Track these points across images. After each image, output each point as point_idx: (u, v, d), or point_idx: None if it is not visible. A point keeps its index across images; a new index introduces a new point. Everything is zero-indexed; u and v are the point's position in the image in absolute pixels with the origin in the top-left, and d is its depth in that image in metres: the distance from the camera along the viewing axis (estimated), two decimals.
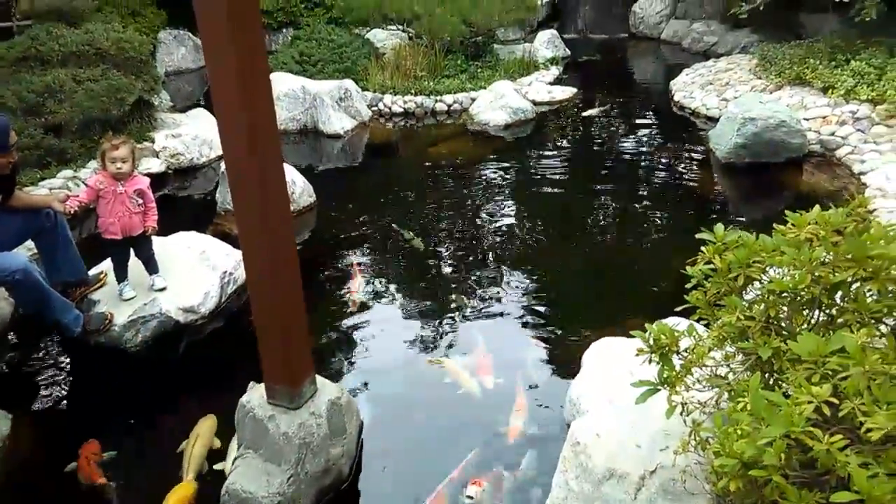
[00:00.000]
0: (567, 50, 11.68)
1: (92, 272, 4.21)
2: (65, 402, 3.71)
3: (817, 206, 2.17)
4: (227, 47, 2.15)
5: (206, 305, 4.08)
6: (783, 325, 2.07)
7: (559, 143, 7.85)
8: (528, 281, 4.73)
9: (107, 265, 4.20)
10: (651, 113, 8.81)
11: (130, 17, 10.88)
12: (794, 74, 7.78)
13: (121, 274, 4.02)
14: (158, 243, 4.21)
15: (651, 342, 2.16)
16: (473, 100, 8.86)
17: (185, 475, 2.97)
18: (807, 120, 6.83)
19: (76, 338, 3.85)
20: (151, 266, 4.09)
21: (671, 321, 2.37)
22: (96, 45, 6.74)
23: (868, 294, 1.93)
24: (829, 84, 7.23)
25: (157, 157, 6.85)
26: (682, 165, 6.86)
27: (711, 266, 2.24)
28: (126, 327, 3.84)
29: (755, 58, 9.27)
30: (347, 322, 4.26)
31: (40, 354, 4.07)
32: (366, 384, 3.69)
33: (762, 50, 9.17)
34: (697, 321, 2.31)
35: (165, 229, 4.31)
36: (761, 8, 8.47)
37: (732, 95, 8.02)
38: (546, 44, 11.34)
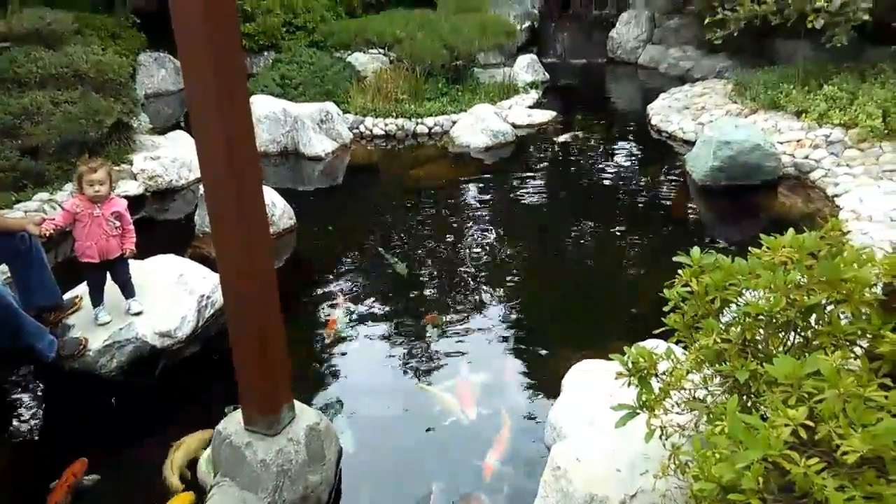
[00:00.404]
0: (546, 74, 11.83)
1: (67, 296, 4.14)
2: (38, 429, 3.63)
3: (791, 230, 2.20)
4: (205, 67, 2.15)
5: (183, 330, 4.02)
6: (760, 347, 2.09)
7: (539, 166, 7.91)
8: (509, 304, 4.74)
9: (82, 289, 4.14)
10: (629, 136, 8.92)
11: (110, 39, 10.85)
12: (769, 99, 7.93)
13: (97, 298, 3.96)
14: (135, 266, 4.15)
15: (630, 365, 2.17)
16: (454, 122, 8.92)
17: (169, 480, 2.97)
18: (781, 143, 6.95)
19: (50, 363, 3.77)
20: (128, 290, 4.04)
21: (650, 344, 2.38)
22: (75, 67, 6.71)
23: (842, 317, 1.96)
24: (803, 108, 7.38)
25: (135, 179, 6.80)
26: (660, 188, 6.94)
27: (689, 289, 2.27)
28: (101, 352, 3.77)
29: (730, 83, 9.46)
30: (327, 346, 4.23)
31: (13, 380, 3.99)
32: (346, 410, 3.66)
33: (737, 75, 9.36)
34: (676, 343, 2.33)
35: (143, 252, 4.26)
36: (735, 34, 8.65)
37: (708, 119, 8.15)
38: (526, 68, 11.48)
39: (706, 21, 9.00)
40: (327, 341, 4.29)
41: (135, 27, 11.91)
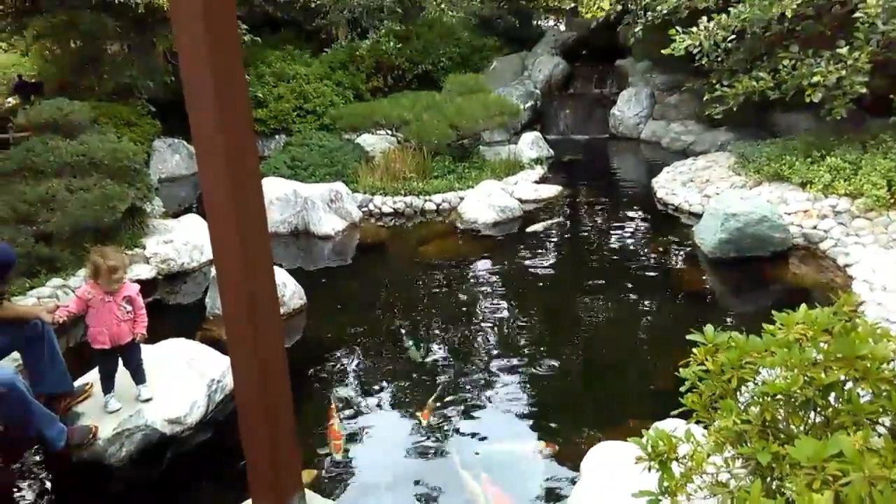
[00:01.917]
0: (551, 150, 12.06)
1: (77, 383, 4.12)
2: None
3: (804, 306, 2.18)
4: (217, 156, 2.20)
5: (193, 416, 3.98)
6: (780, 427, 2.04)
7: (547, 241, 7.96)
8: (523, 384, 4.66)
9: (93, 376, 4.13)
10: (636, 209, 9.00)
11: (126, 127, 11.22)
12: (772, 171, 8.03)
13: (108, 385, 3.94)
14: (145, 351, 4.15)
15: (649, 449, 2.11)
16: (462, 199, 9.05)
17: None
18: (788, 214, 6.99)
19: (59, 452, 3.72)
20: (139, 375, 4.02)
21: (669, 425, 2.33)
22: (91, 155, 6.89)
23: (861, 394, 1.92)
24: (807, 179, 7.46)
25: (148, 262, 6.87)
26: (671, 261, 6.95)
27: (704, 368, 2.24)
28: (110, 441, 3.73)
29: (733, 155, 9.60)
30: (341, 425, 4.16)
31: (20, 469, 3.92)
32: (358, 499, 3.56)
33: (739, 148, 9.51)
34: (696, 423, 2.28)
35: (153, 335, 4.27)
36: (735, 109, 8.84)
37: (714, 192, 8.24)
38: (530, 145, 11.72)
39: (705, 97, 9.22)
40: (334, 455, 4.09)
41: (150, 115, 12.33)
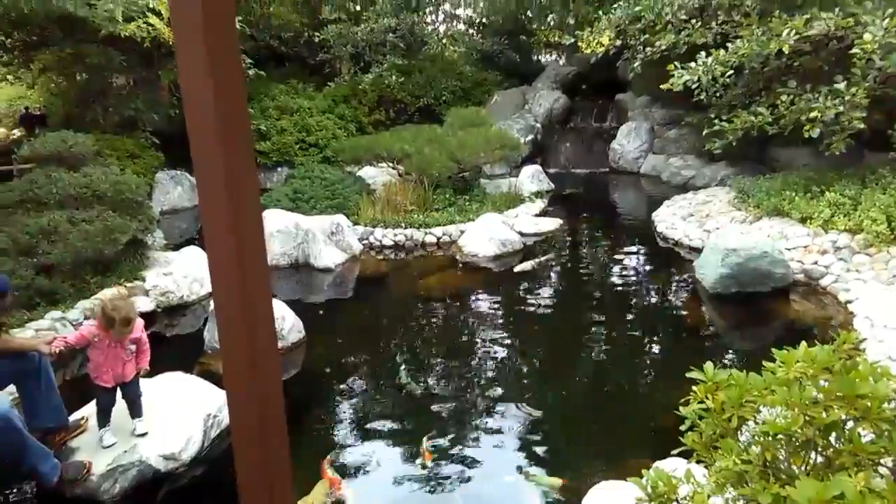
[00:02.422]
0: (551, 184, 12.13)
1: (73, 417, 4.08)
2: None
3: (804, 343, 2.17)
4: (218, 180, 2.21)
5: (188, 452, 3.93)
6: (781, 467, 2.01)
7: (548, 274, 7.95)
8: (522, 420, 4.60)
9: (88, 410, 4.09)
10: (636, 243, 9.01)
11: (129, 159, 11.31)
12: (772, 206, 8.05)
13: (104, 419, 3.91)
14: (142, 384, 4.12)
15: (649, 489, 2.08)
16: (462, 232, 9.07)
17: None
18: (789, 250, 6.99)
19: (52, 487, 3.67)
20: (136, 409, 3.99)
21: (669, 464, 2.31)
22: (94, 187, 6.93)
23: (863, 434, 1.90)
24: (807, 215, 7.46)
25: (147, 295, 6.86)
26: (672, 296, 6.93)
27: (704, 406, 2.22)
28: (104, 476, 3.68)
29: (733, 190, 9.64)
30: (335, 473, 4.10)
31: (12, 501, 3.86)
32: None
33: (738, 182, 9.55)
34: (697, 463, 2.25)
35: (151, 370, 4.23)
36: (734, 143, 8.90)
37: (714, 227, 8.25)
38: (531, 178, 11.79)
39: (704, 132, 9.29)
40: (336, 459, 4.13)
41: (153, 147, 12.45)
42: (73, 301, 6.34)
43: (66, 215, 6.64)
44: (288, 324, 5.75)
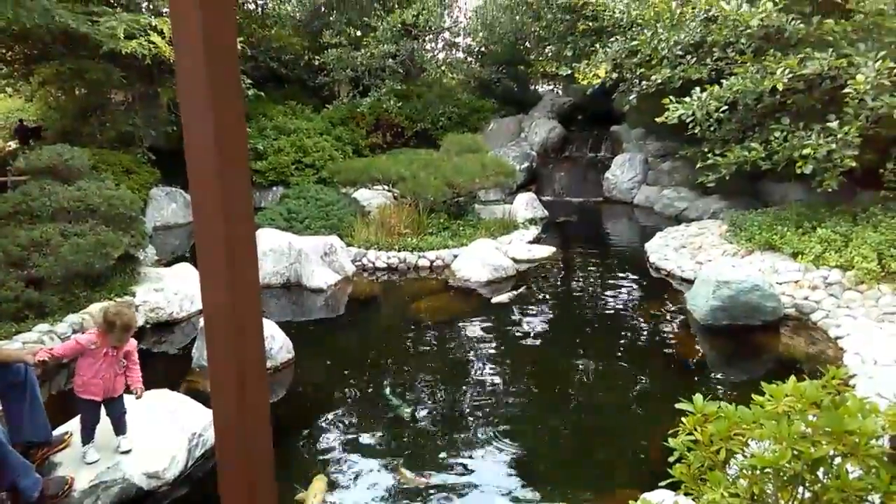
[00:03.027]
0: (545, 211, 12.18)
1: (56, 432, 4.03)
2: None
3: (793, 378, 2.17)
4: (213, 196, 2.21)
5: (172, 471, 3.88)
6: (769, 501, 2.00)
7: (540, 301, 7.95)
8: (513, 449, 4.57)
9: (73, 425, 4.04)
10: (629, 273, 9.03)
11: (125, 174, 11.31)
12: (764, 240, 8.10)
13: (88, 435, 3.87)
14: (128, 400, 4.08)
15: None
16: (455, 256, 9.08)
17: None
18: (780, 284, 7.01)
19: (33, 503, 3.61)
20: (121, 426, 3.95)
21: (657, 495, 2.29)
22: (87, 201, 6.92)
23: (850, 470, 1.90)
24: (798, 250, 7.51)
25: (137, 310, 6.81)
26: (663, 326, 6.93)
27: (693, 438, 2.21)
28: (86, 493, 3.63)
29: (725, 223, 9.70)
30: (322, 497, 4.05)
31: None
32: None
33: (731, 216, 9.61)
34: (685, 495, 2.24)
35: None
36: (727, 177, 8.97)
37: (706, 259, 8.29)
38: (525, 205, 11.84)
39: (698, 165, 9.36)
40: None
41: (149, 163, 12.46)
42: (62, 314, 6.29)
43: (59, 228, 6.62)
44: (277, 343, 5.72)
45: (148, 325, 6.81)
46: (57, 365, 3.93)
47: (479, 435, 4.71)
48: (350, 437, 4.71)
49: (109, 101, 13.19)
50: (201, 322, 5.85)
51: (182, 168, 2.32)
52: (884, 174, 8.12)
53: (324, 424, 4.87)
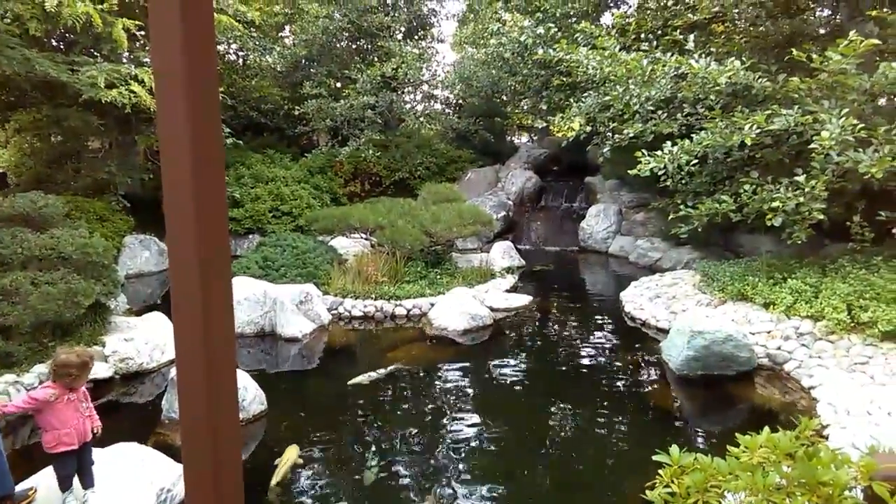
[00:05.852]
0: (522, 260, 12.27)
1: (20, 488, 3.89)
2: None
3: (766, 429, 2.19)
4: (189, 243, 2.21)
5: None
6: None
7: (517, 350, 7.93)
8: (487, 500, 4.51)
9: (36, 480, 3.91)
10: (604, 322, 9.08)
11: (98, 222, 11.21)
12: (736, 290, 8.22)
13: (66, 484, 3.76)
14: (94, 455, 3.97)
15: None
16: (432, 305, 9.06)
17: None
18: (753, 334, 7.09)
19: None
20: (88, 477, 3.83)
21: None
22: (59, 249, 6.83)
23: None
24: (770, 300, 7.63)
25: (106, 361, 6.67)
26: (639, 376, 6.95)
27: (670, 490, 2.20)
28: None
29: (698, 273, 9.83)
30: None
31: None
32: None
33: (703, 267, 9.75)
34: None
35: (105, 438, 4.09)
36: (699, 228, 9.14)
37: (680, 309, 8.37)
38: (502, 254, 11.92)
39: (670, 216, 9.53)
40: None
41: (123, 210, 12.38)
42: (29, 364, 6.15)
43: (30, 277, 6.51)
44: (250, 395, 5.62)
45: (117, 376, 6.66)
46: (20, 417, 3.81)
47: (453, 489, 4.63)
48: (322, 493, 4.60)
49: (86, 147, 13.15)
50: (172, 373, 5.74)
51: (157, 216, 2.32)
52: (851, 227, 8.33)
53: (294, 478, 4.75)
